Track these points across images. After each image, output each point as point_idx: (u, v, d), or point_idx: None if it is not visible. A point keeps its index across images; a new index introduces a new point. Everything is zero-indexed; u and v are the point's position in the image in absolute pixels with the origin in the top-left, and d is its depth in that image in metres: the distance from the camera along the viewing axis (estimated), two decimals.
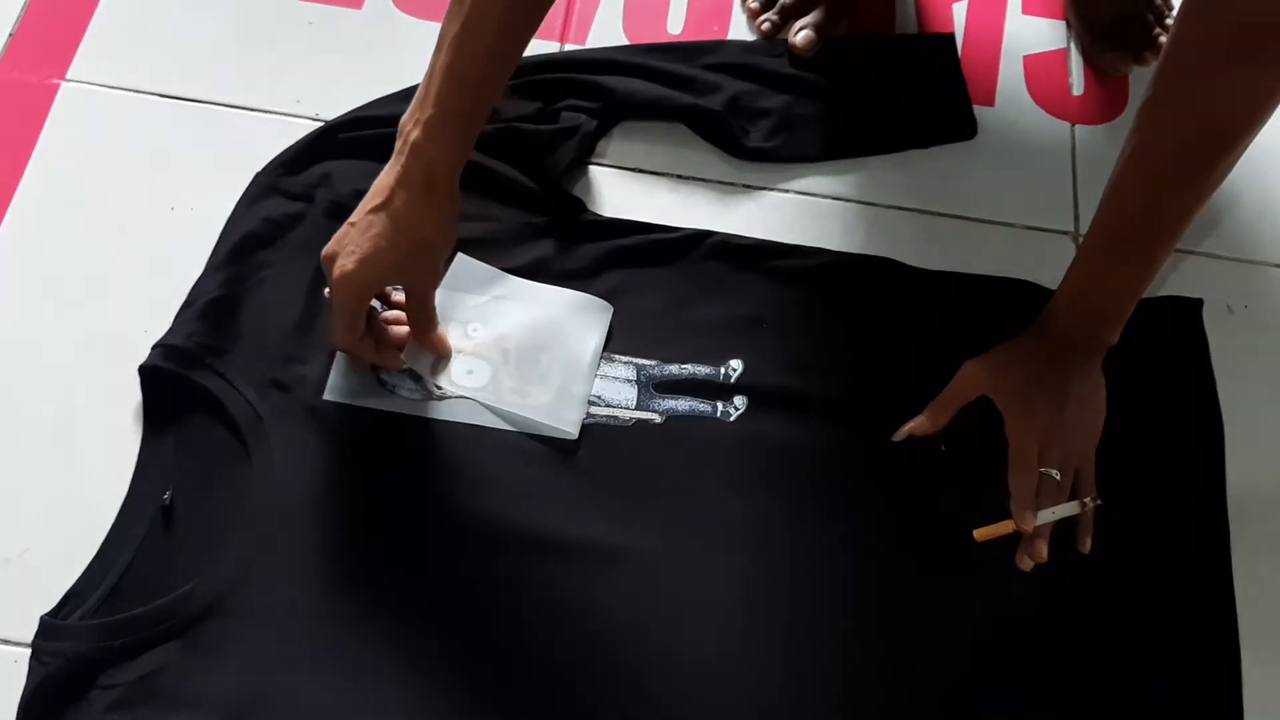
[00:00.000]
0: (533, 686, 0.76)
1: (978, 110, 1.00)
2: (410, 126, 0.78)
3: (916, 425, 0.84)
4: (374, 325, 0.83)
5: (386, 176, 0.78)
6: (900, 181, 0.97)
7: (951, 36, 1.03)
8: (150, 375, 0.83)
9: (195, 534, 0.80)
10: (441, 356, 0.85)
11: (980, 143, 0.99)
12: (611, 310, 0.88)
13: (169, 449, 0.83)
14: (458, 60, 0.76)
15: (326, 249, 0.78)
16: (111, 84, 0.97)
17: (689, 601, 0.79)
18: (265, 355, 0.85)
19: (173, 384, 0.83)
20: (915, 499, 0.84)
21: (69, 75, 0.97)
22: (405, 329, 0.84)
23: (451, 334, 0.87)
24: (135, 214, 0.92)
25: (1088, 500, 0.81)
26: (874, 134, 0.98)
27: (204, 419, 0.83)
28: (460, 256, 0.89)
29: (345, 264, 0.76)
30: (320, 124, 0.95)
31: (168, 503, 0.80)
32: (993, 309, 0.90)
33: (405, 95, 0.94)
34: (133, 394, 0.84)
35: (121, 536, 0.79)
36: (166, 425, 0.83)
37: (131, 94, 0.97)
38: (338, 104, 0.96)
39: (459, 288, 0.88)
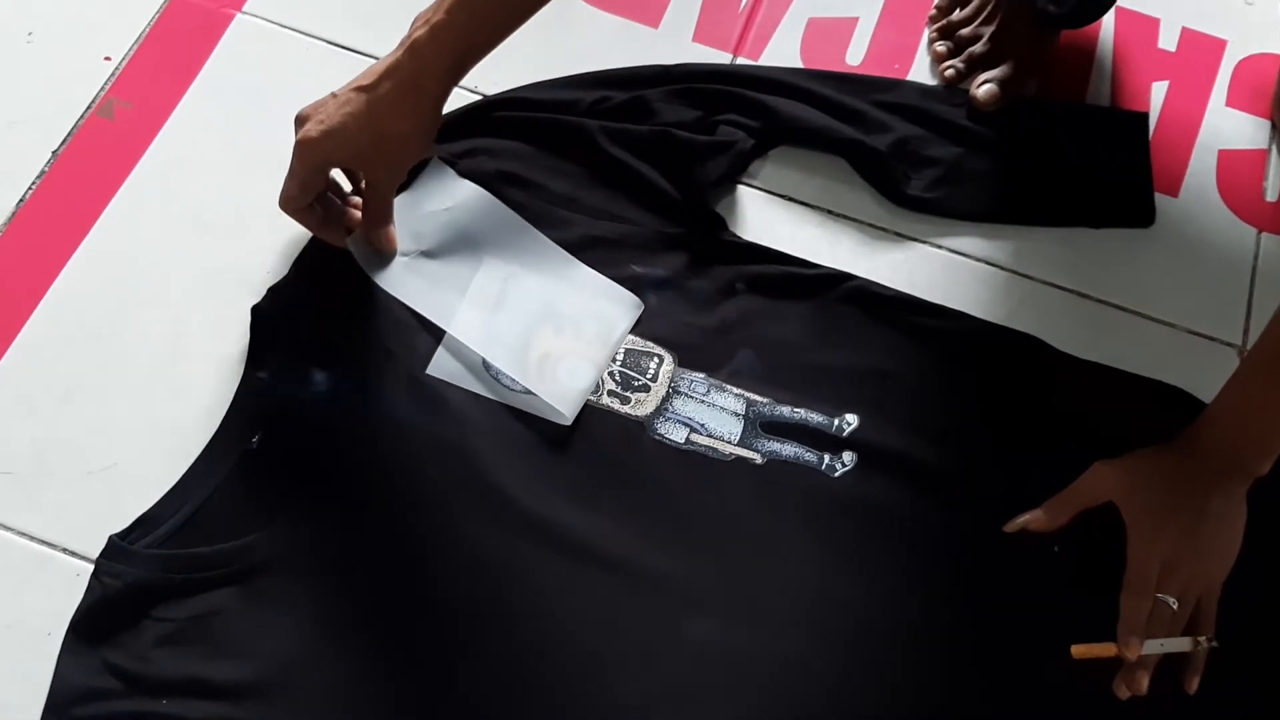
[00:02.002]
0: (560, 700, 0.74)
1: (1159, 199, 0.93)
2: (420, 23, 0.77)
3: (1033, 519, 0.79)
4: (327, 199, 0.83)
5: (382, 62, 0.77)
6: (1063, 258, 0.91)
7: (1145, 116, 0.96)
8: (262, 316, 0.83)
9: (273, 483, 0.79)
10: (385, 253, 0.84)
11: (1156, 233, 0.93)
12: (641, 309, 0.85)
13: (266, 392, 0.82)
14: None
15: (303, 109, 0.78)
16: (283, 23, 0.98)
17: (748, 655, 0.76)
18: (378, 318, 0.84)
19: (282, 329, 0.83)
20: (1016, 598, 0.79)
21: (245, 8, 0.98)
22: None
23: (566, 334, 0.84)
24: (281, 154, 0.91)
25: (1203, 639, 0.75)
26: (1044, 204, 0.92)
27: (307, 368, 0.83)
28: (498, 205, 0.87)
29: (310, 130, 0.77)
30: (478, 98, 0.94)
31: (254, 447, 0.80)
32: (1137, 411, 0.85)
33: (569, 82, 0.93)
34: (243, 331, 0.84)
35: (203, 472, 0.79)
36: (268, 368, 0.83)
37: (300, 35, 0.97)
38: (499, 81, 0.95)
39: (485, 236, 0.86)
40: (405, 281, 0.84)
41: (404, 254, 0.85)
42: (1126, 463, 0.78)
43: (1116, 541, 0.76)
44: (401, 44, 0.78)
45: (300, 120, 0.78)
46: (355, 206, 0.84)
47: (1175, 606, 0.75)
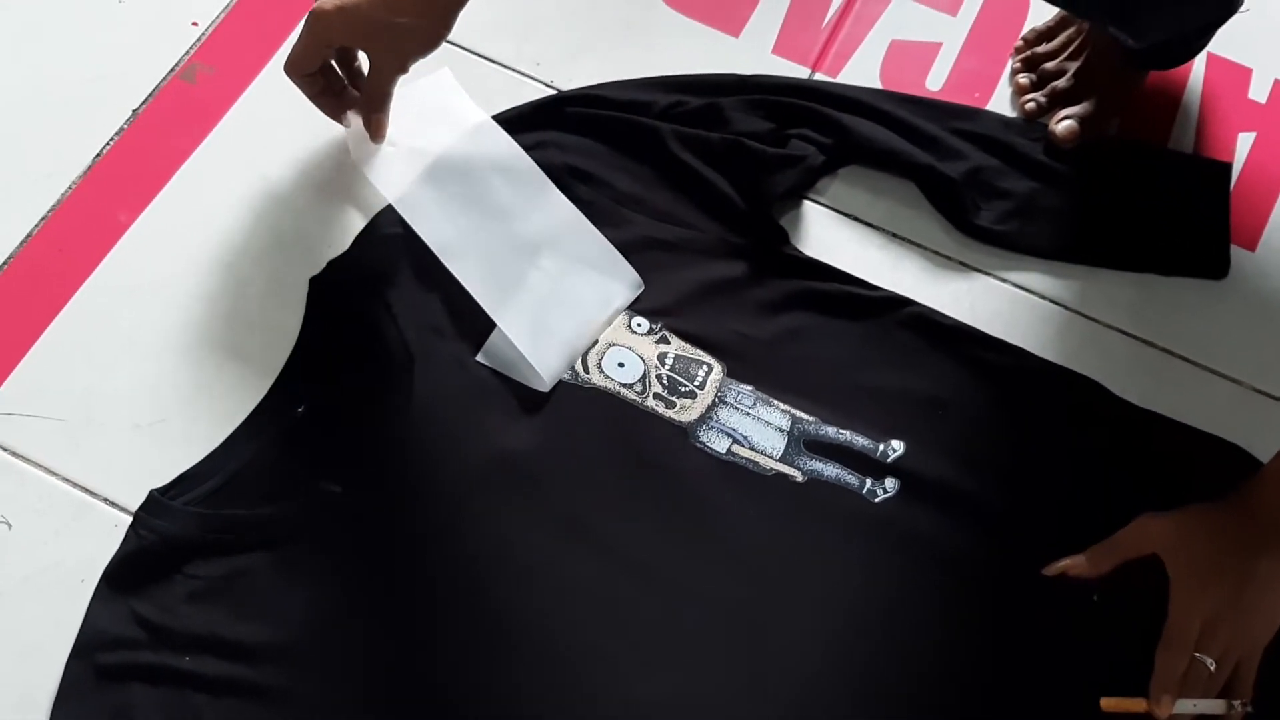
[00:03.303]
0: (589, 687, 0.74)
1: (1235, 252, 0.91)
2: None
3: (1074, 565, 0.77)
4: (331, 72, 0.85)
5: None
6: (1130, 303, 0.89)
7: (1228, 166, 0.94)
8: (319, 287, 0.84)
9: (315, 453, 0.80)
10: (375, 140, 0.86)
11: (1229, 286, 0.90)
12: (641, 289, 0.85)
13: (316, 363, 0.83)
14: None
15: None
16: None
17: (769, 668, 0.75)
18: (433, 300, 0.84)
19: (338, 302, 0.83)
20: (1048, 643, 0.77)
21: None
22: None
23: (616, 323, 0.84)
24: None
25: (1238, 704, 0.73)
26: (1115, 246, 0.90)
27: (358, 344, 0.83)
28: (523, 160, 0.88)
29: (324, 3, 0.79)
30: (553, 92, 0.94)
31: (299, 416, 0.80)
32: (1191, 465, 0.82)
33: (646, 84, 0.94)
34: (300, 301, 0.85)
35: (247, 436, 0.80)
36: (321, 340, 0.84)
37: None
38: (575, 77, 0.95)
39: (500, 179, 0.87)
40: (396, 183, 0.86)
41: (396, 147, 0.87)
42: (1175, 517, 0.76)
43: (1157, 596, 0.75)
44: None
45: None
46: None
47: (1213, 668, 0.73)
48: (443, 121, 0.89)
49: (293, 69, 0.83)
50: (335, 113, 0.86)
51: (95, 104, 0.93)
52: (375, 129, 0.86)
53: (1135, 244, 0.90)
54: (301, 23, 0.80)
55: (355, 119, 0.86)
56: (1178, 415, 0.85)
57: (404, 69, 0.83)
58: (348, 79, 0.86)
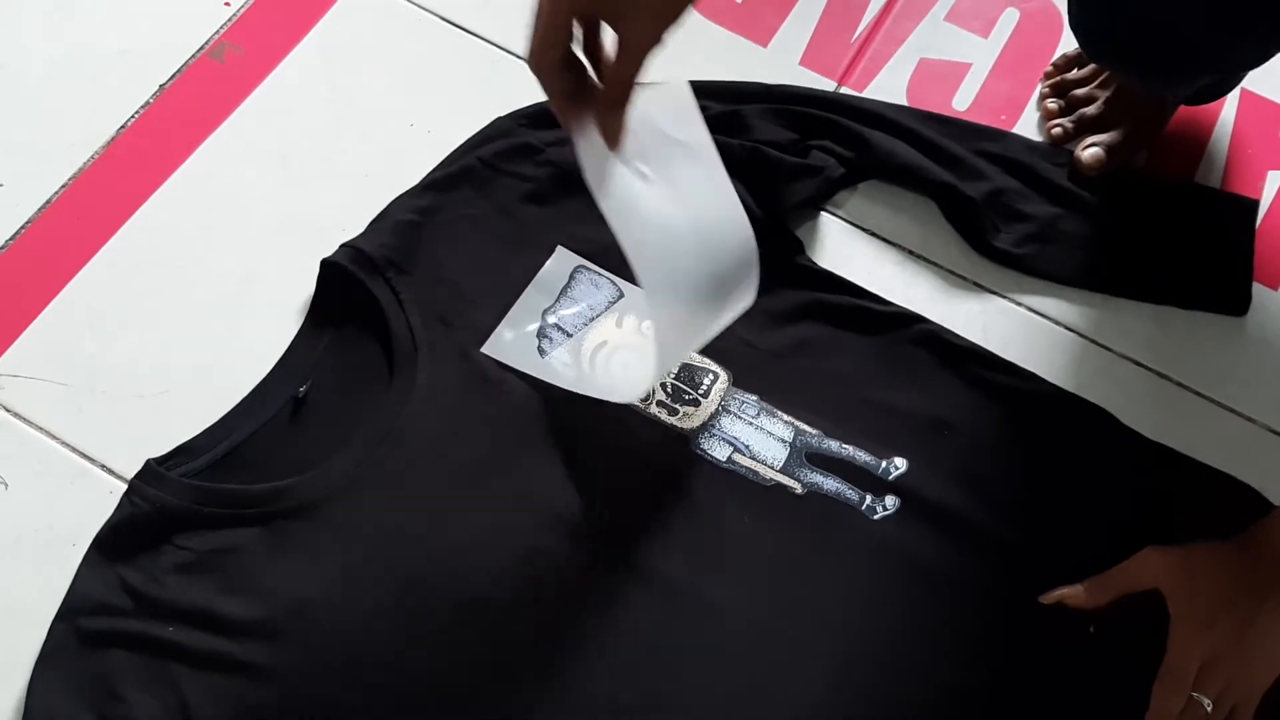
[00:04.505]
0: (573, 681, 0.74)
1: (1257, 290, 0.90)
2: None
3: (1072, 595, 0.76)
4: (578, 65, 0.66)
5: None
6: (1146, 335, 0.88)
7: (1255, 204, 0.92)
8: (330, 270, 0.84)
9: (314, 434, 0.80)
10: (612, 147, 0.68)
11: (1248, 323, 0.89)
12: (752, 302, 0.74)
13: (321, 345, 0.83)
14: None
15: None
16: None
17: (758, 677, 0.74)
18: (442, 289, 0.84)
19: (347, 285, 0.83)
20: (1041, 673, 0.75)
21: None
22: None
23: (626, 326, 0.84)
24: (377, 119, 0.93)
25: None
26: (1135, 276, 0.89)
27: (363, 329, 0.83)
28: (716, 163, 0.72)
29: None
30: None
31: (301, 395, 0.80)
32: (1199, 501, 0.81)
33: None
34: (310, 282, 0.84)
35: (248, 410, 0.80)
36: (327, 322, 0.84)
37: (415, 7, 0.99)
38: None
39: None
40: (619, 210, 0.69)
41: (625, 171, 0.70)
42: (1180, 553, 0.75)
43: (1154, 632, 0.73)
44: None
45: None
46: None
47: (1209, 708, 0.71)
48: (674, 144, 0.72)
49: (540, 58, 0.65)
50: (579, 119, 0.68)
51: (124, 77, 0.94)
52: (614, 132, 0.68)
53: (1155, 275, 0.89)
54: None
55: (591, 129, 0.68)
56: (1189, 451, 0.83)
57: (659, 39, 0.64)
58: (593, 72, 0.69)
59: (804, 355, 0.84)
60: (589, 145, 0.68)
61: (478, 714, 0.72)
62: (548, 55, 0.65)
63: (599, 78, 0.67)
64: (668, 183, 0.70)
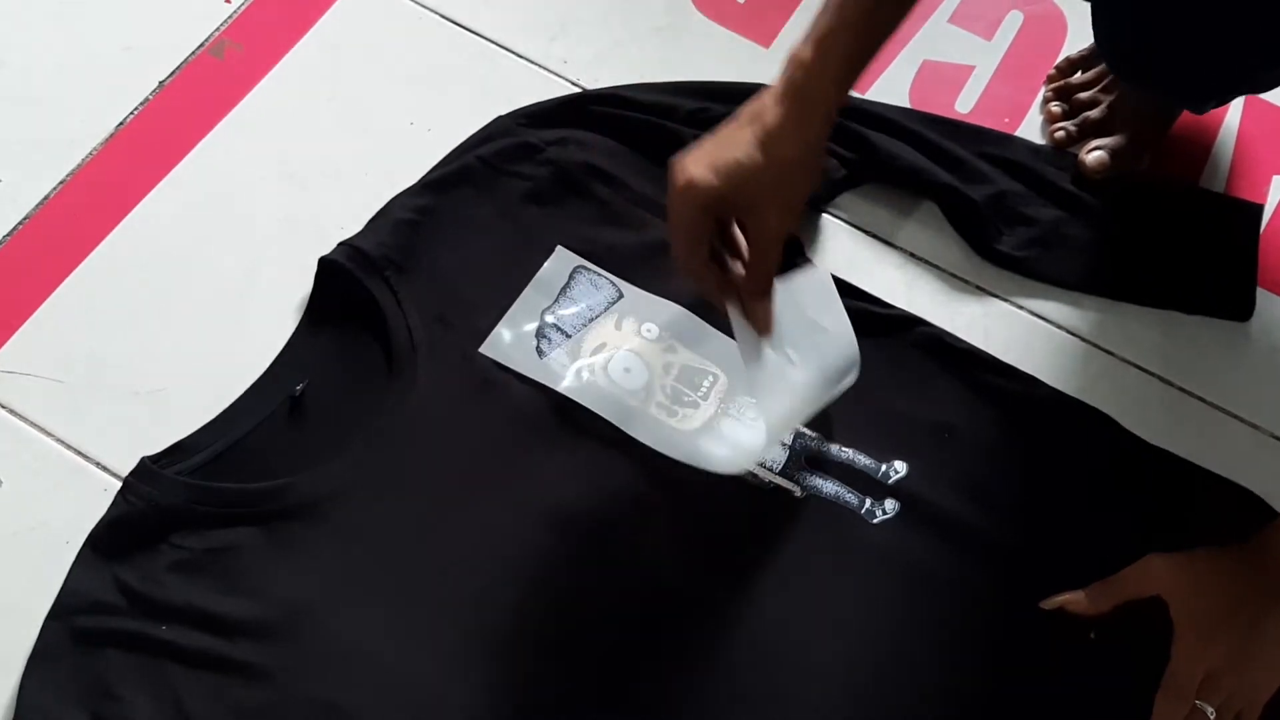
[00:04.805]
0: (567, 682, 0.73)
1: (1261, 296, 0.89)
2: (798, 45, 0.68)
3: (1074, 601, 0.75)
4: (721, 255, 0.71)
5: (761, 95, 0.69)
6: (1149, 340, 0.87)
7: (1259, 208, 0.92)
8: (328, 268, 0.84)
9: (312, 433, 0.79)
10: (762, 334, 0.72)
11: (1252, 329, 0.88)
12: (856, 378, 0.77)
13: (319, 343, 0.83)
14: None
15: (677, 157, 0.68)
16: None
17: (753, 678, 0.74)
18: (441, 289, 0.84)
19: (345, 284, 0.83)
20: (1042, 679, 0.75)
21: None
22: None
23: (625, 328, 0.83)
24: (378, 117, 0.93)
25: None
26: (1138, 281, 0.89)
27: (361, 328, 0.83)
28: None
29: (693, 171, 0.67)
30: (578, 90, 0.94)
31: (298, 394, 0.80)
32: (1201, 507, 0.80)
33: (672, 88, 0.93)
34: (308, 280, 0.84)
35: (245, 409, 0.80)
36: (325, 321, 0.84)
37: (416, 5, 0.98)
38: (602, 77, 0.95)
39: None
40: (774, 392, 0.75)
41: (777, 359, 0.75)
42: (1183, 559, 0.74)
43: (1156, 639, 0.73)
44: (780, 74, 0.69)
45: (677, 167, 0.69)
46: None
47: (1213, 717, 0.71)
48: (817, 329, 0.76)
49: (689, 261, 0.70)
50: (733, 302, 0.72)
51: (124, 73, 0.93)
52: (762, 320, 0.71)
53: (1159, 280, 0.89)
54: (672, 204, 0.69)
55: (735, 312, 0.72)
56: (1192, 456, 0.83)
57: (794, 224, 0.71)
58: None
59: None
60: (740, 324, 0.72)
61: (475, 715, 0.72)
62: (696, 257, 0.70)
63: (741, 267, 0.71)
64: (811, 365, 0.75)
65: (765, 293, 0.71)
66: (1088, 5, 0.83)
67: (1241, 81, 0.82)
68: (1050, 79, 0.97)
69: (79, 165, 0.89)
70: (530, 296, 0.84)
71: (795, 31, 0.98)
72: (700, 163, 0.68)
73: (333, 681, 0.72)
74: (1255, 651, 0.71)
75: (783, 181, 0.68)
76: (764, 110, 0.68)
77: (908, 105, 0.96)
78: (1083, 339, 0.87)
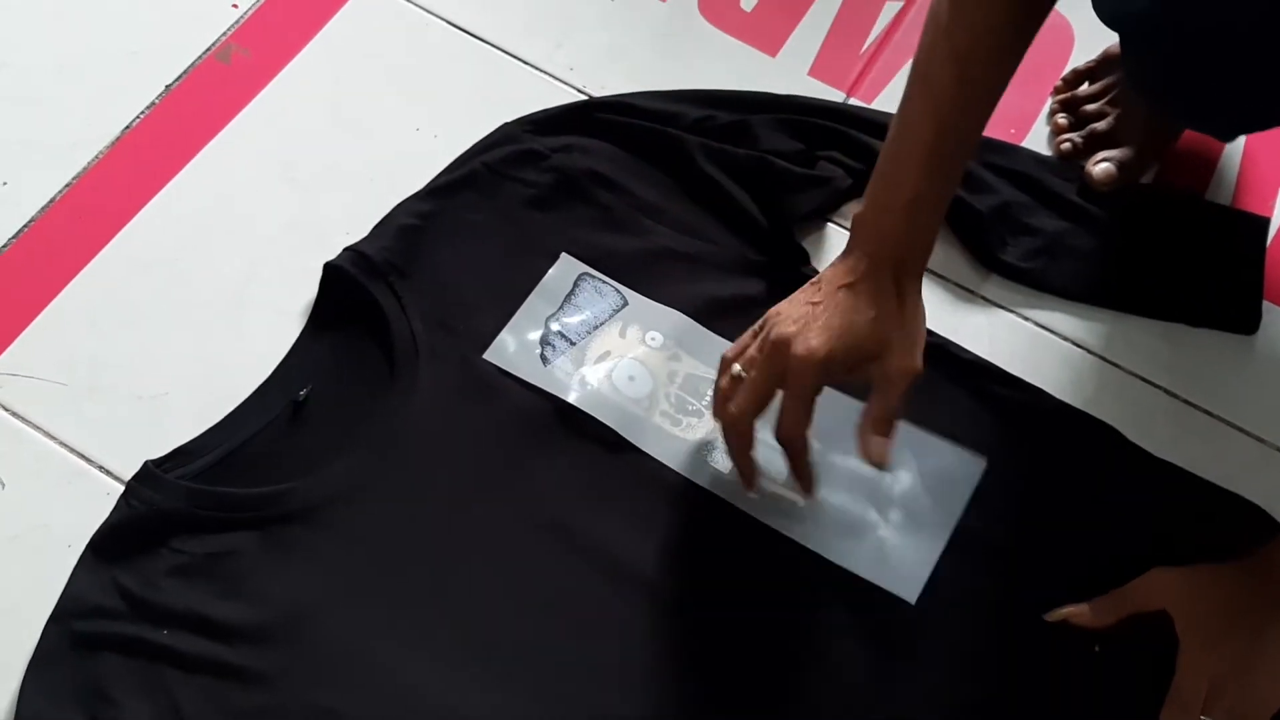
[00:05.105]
0: (565, 690, 0.73)
1: (1267, 309, 0.89)
2: (875, 212, 0.73)
3: (1077, 613, 0.75)
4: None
5: (850, 258, 0.73)
6: (1155, 352, 0.87)
7: (1266, 221, 0.92)
8: (332, 273, 0.84)
9: (315, 438, 0.79)
10: (867, 459, 0.71)
11: (1258, 342, 0.88)
12: (984, 465, 0.79)
13: (323, 348, 0.83)
14: (934, 139, 0.71)
15: (780, 329, 0.70)
16: None
17: (751, 692, 0.74)
18: (445, 294, 0.84)
19: (349, 289, 0.83)
20: (1045, 691, 0.75)
21: None
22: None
23: (630, 337, 0.83)
24: (383, 123, 0.93)
25: None
26: (1144, 292, 0.88)
27: (365, 333, 0.83)
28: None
29: (810, 341, 0.69)
30: (583, 97, 0.94)
31: (301, 399, 0.80)
32: (1206, 521, 0.80)
33: (677, 96, 0.93)
34: (311, 285, 0.84)
35: (248, 414, 0.80)
36: (329, 326, 0.84)
37: (422, 11, 0.98)
38: (607, 84, 0.95)
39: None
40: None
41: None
42: (1188, 573, 0.74)
43: (1161, 652, 0.72)
44: (859, 241, 0.73)
45: (784, 341, 0.70)
46: None
47: None
48: (934, 510, 0.79)
49: (795, 431, 0.72)
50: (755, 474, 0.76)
51: (131, 77, 0.93)
52: (878, 453, 0.71)
53: (1164, 292, 0.88)
54: (789, 379, 0.70)
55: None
56: (1196, 469, 0.82)
57: (916, 367, 0.71)
58: None
59: None
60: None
61: None
62: (800, 429, 0.72)
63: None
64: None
65: (887, 426, 0.72)
66: (1095, 17, 0.83)
67: (1273, 118, 0.81)
68: (1057, 90, 0.97)
69: (85, 168, 0.89)
70: (534, 303, 0.84)
71: (802, 41, 0.99)
72: (816, 331, 0.69)
73: (332, 687, 0.72)
74: (1260, 664, 0.71)
75: (901, 339, 0.71)
76: (861, 278, 0.71)
77: None
78: (1088, 350, 0.87)
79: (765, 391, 0.72)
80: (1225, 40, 0.71)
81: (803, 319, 0.71)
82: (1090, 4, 0.98)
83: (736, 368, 0.73)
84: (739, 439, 0.74)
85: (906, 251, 0.72)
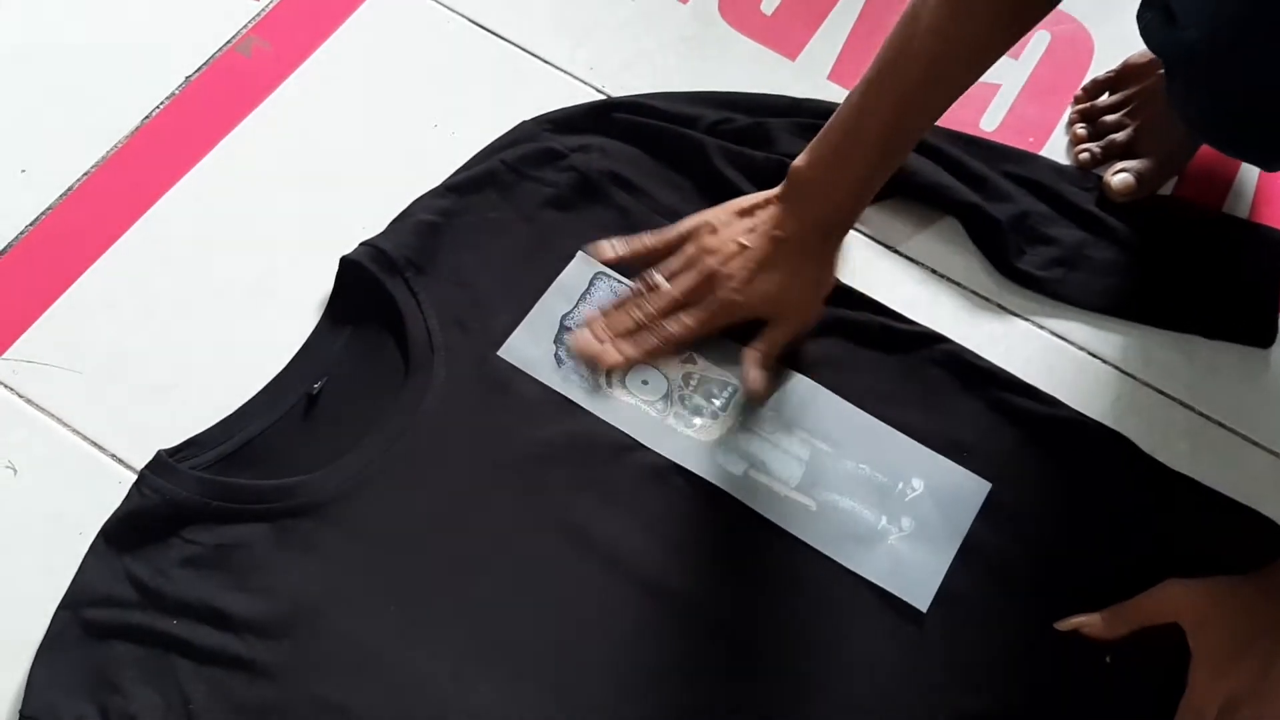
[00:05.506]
0: (573, 688, 0.73)
1: None
2: (811, 167, 0.79)
3: (1089, 623, 0.75)
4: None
5: (775, 204, 0.81)
6: (1170, 364, 0.87)
7: None
8: (349, 268, 0.83)
9: (327, 432, 0.79)
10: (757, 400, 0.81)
11: (1274, 356, 0.88)
12: (988, 489, 0.80)
13: (338, 343, 0.82)
14: (894, 125, 0.76)
15: (709, 263, 0.80)
16: None
17: (763, 684, 0.74)
18: (460, 292, 0.84)
19: (365, 284, 0.83)
20: (1057, 701, 0.74)
21: None
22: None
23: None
24: (401, 119, 0.93)
25: None
26: (1160, 304, 0.88)
27: (380, 328, 0.83)
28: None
29: (734, 293, 0.80)
30: (603, 97, 0.94)
31: (315, 392, 0.80)
32: (1221, 534, 0.80)
33: (696, 98, 0.93)
34: (327, 279, 0.84)
35: (261, 406, 0.80)
36: (344, 321, 0.83)
37: (443, 8, 0.98)
38: (627, 85, 0.95)
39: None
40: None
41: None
42: (1201, 587, 0.73)
43: (1172, 665, 0.72)
44: (792, 188, 0.81)
45: (712, 276, 0.81)
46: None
47: None
48: (941, 524, 0.79)
49: (651, 321, 0.82)
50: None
51: (151, 67, 0.94)
52: (758, 383, 0.81)
53: (1181, 304, 0.88)
54: (705, 310, 0.80)
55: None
56: (1211, 482, 0.82)
57: (800, 327, 0.83)
58: None
59: (823, 372, 0.83)
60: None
61: (483, 718, 0.71)
62: (688, 339, 0.82)
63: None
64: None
65: (766, 365, 0.81)
66: (1115, 27, 0.82)
67: None
68: (1077, 100, 0.97)
69: (104, 157, 0.90)
70: (550, 302, 0.84)
71: (822, 46, 0.99)
72: (739, 283, 0.80)
73: (340, 682, 0.71)
74: (1273, 683, 0.70)
75: (804, 299, 0.82)
76: (792, 235, 0.80)
77: None
78: (1103, 360, 0.87)
79: (677, 308, 0.82)
80: (1276, 74, 0.70)
81: (730, 257, 0.80)
82: (1110, 16, 0.99)
83: (659, 279, 0.82)
84: (637, 339, 0.82)
85: (844, 219, 0.81)
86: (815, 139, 0.80)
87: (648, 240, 0.84)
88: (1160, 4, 0.71)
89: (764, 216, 0.81)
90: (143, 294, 0.85)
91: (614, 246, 0.84)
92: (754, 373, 0.81)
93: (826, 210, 0.80)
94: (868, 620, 0.76)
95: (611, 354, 0.81)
